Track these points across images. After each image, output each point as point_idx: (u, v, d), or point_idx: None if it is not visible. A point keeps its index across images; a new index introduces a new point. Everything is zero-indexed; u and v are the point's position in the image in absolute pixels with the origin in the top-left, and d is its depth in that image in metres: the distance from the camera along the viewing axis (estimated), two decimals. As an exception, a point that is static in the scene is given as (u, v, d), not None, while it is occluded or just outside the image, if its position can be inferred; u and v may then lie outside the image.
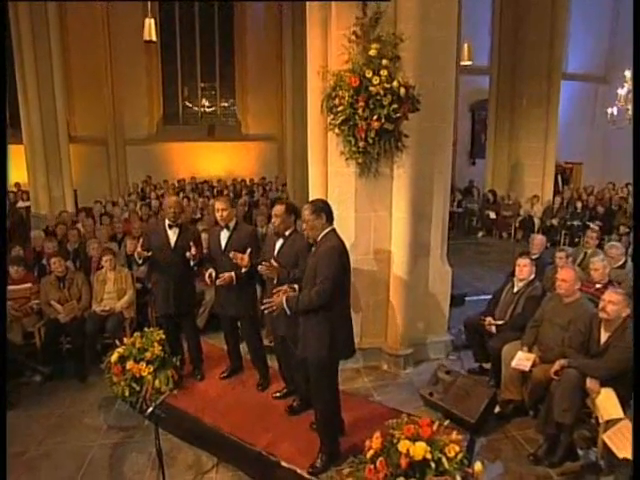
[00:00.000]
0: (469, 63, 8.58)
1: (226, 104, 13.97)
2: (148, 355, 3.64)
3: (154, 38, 6.87)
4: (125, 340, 3.75)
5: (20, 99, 9.60)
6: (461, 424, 3.46)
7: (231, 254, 3.40)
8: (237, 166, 13.52)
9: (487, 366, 4.23)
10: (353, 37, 3.91)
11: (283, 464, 2.93)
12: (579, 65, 13.18)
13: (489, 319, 4.09)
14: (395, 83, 3.76)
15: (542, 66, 9.34)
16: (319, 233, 2.79)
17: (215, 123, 13.57)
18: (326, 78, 4.06)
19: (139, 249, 3.60)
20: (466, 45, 8.13)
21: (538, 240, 5.09)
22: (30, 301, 4.42)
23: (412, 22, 3.94)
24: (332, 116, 4.02)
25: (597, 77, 13.41)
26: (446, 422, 2.49)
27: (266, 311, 2.87)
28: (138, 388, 3.54)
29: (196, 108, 13.77)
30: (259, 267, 3.13)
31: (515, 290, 4.11)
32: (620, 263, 4.74)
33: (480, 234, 10.40)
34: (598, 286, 4.14)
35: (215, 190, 11.82)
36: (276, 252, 3.27)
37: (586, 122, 13.19)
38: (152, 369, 3.61)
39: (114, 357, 3.65)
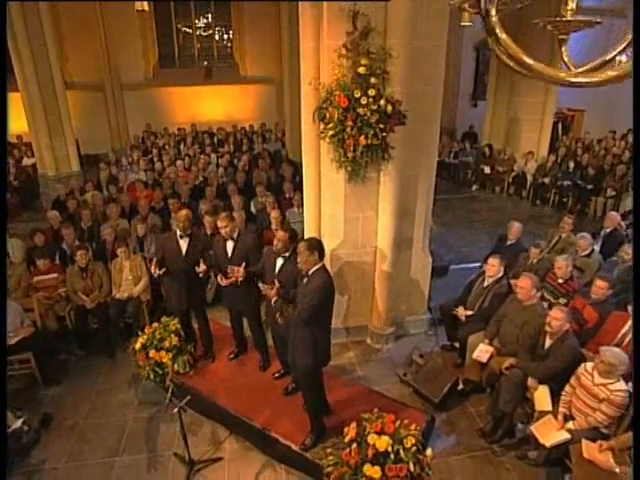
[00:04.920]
0: (469, 24, 8.18)
1: (223, 41, 13.41)
2: (167, 344, 4.34)
3: (146, 8, 6.67)
4: (146, 330, 4.41)
5: (11, 48, 9.38)
6: (427, 401, 4.24)
7: (229, 269, 3.91)
8: (236, 110, 13.36)
9: (457, 344, 4.92)
10: (343, 51, 4.01)
11: (281, 440, 3.70)
12: (596, -3, 12.29)
13: (460, 309, 4.68)
14: (382, 102, 3.95)
15: (550, 13, 8.87)
16: (310, 268, 3.28)
17: (212, 65, 13.18)
18: (318, 89, 4.21)
19: (154, 269, 4.06)
20: (468, 5, 7.72)
21: (515, 227, 5.50)
22: (58, 289, 5.02)
23: (401, 34, 3.99)
24: (323, 126, 4.25)
25: (615, 9, 12.55)
26: (406, 422, 3.16)
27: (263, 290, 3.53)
28: (161, 372, 4.29)
29: (192, 36, 13.13)
30: (260, 286, 3.64)
31: (485, 285, 4.65)
32: (587, 252, 5.20)
33: (474, 187, 10.70)
34: (560, 281, 4.68)
35: (216, 139, 11.89)
36: (277, 271, 3.76)
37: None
38: (171, 356, 4.35)
39: (137, 345, 4.34)
